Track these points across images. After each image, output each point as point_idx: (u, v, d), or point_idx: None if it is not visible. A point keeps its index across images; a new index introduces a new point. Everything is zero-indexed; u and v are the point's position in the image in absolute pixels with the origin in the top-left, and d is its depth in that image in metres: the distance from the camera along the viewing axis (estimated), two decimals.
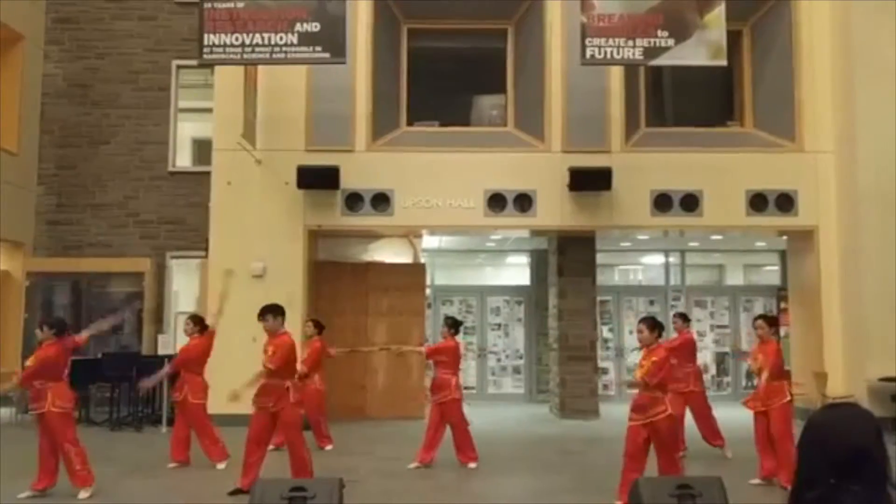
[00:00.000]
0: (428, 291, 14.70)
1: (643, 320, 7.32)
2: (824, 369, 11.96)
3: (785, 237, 13.61)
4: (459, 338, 9.68)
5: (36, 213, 14.90)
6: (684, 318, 10.32)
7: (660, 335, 7.21)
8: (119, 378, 12.02)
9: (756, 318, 8.61)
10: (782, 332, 14.66)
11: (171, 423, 10.59)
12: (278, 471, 7.32)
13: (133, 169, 15.05)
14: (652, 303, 16.19)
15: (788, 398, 8.04)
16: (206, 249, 12.37)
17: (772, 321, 8.46)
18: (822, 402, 10.54)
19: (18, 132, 14.32)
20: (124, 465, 8.82)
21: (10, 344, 13.17)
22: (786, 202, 12.35)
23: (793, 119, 12.58)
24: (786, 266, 14.39)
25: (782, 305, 14.89)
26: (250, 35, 10.85)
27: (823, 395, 11.44)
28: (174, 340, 12.62)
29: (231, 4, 10.89)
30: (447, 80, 13.75)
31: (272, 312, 7.60)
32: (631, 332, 15.39)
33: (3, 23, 13.80)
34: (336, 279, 13.22)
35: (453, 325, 9.40)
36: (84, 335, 7.86)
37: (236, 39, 10.87)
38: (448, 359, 9.12)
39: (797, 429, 1.94)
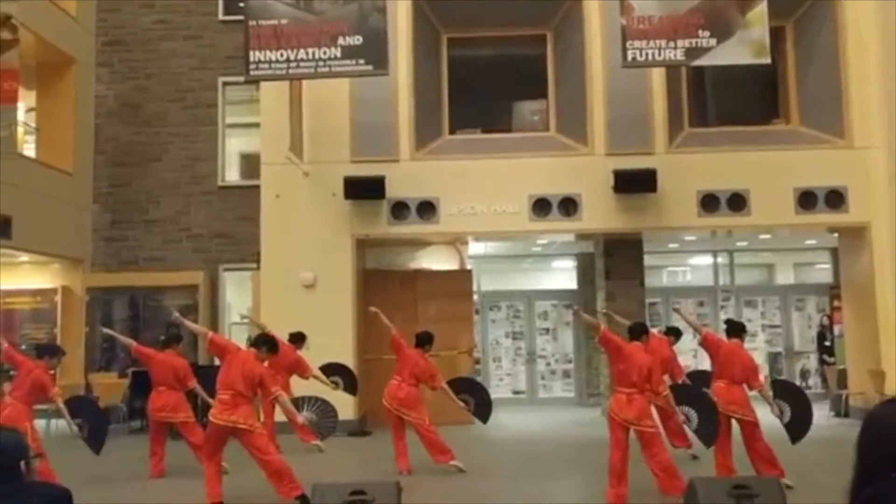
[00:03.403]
0: (475, 297, 14.79)
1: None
2: (881, 367, 11.76)
3: (836, 234, 13.41)
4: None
5: (93, 230, 15.35)
6: (674, 332, 10.26)
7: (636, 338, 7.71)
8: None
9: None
10: (836, 330, 14.47)
11: None
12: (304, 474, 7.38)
13: (184, 185, 15.43)
14: (701, 304, 16.04)
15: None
16: (258, 261, 12.63)
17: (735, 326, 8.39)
18: (879, 400, 10.38)
19: (74, 153, 14.80)
20: (184, 470, 9.04)
21: (73, 357, 13.54)
22: (836, 199, 12.18)
23: (840, 115, 12.40)
24: (838, 263, 14.17)
25: (835, 304, 14.65)
26: (295, 50, 11.06)
27: (881, 394, 11.25)
28: None
29: (275, 21, 11.11)
30: (488, 87, 13.81)
31: (264, 345, 7.52)
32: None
33: (57, 47, 14.27)
34: (385, 287, 13.34)
35: (424, 338, 9.39)
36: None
37: (281, 55, 11.08)
38: (401, 366, 9.20)
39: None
